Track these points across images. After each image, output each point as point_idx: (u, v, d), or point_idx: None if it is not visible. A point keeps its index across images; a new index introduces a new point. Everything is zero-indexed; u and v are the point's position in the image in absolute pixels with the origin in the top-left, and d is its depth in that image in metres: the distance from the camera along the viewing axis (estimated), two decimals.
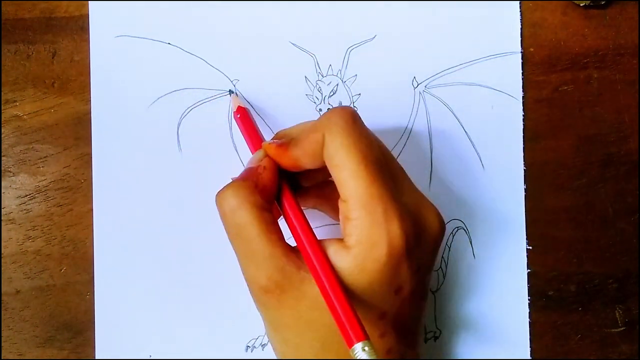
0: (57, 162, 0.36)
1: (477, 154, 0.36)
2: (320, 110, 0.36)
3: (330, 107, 0.36)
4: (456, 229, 0.36)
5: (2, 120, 0.36)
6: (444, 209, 0.36)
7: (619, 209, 0.37)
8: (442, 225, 0.30)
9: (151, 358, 0.36)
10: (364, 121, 0.29)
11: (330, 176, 0.31)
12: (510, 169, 0.36)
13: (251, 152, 0.32)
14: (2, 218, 0.36)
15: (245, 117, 0.34)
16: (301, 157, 0.29)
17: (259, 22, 0.36)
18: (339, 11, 0.36)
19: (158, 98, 0.36)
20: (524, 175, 0.36)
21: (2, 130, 0.36)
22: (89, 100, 0.36)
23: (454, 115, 0.36)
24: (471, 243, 0.36)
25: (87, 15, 0.36)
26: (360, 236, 0.27)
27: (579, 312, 0.37)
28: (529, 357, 0.36)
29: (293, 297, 0.27)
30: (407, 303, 0.28)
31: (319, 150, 0.28)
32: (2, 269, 0.36)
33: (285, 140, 0.30)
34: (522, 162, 0.36)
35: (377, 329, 0.28)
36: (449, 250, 0.36)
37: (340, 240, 0.28)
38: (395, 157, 0.31)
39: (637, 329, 0.37)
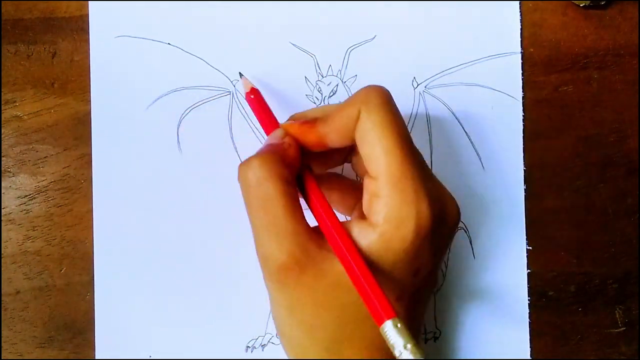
0: (57, 162, 0.36)
1: (477, 154, 0.36)
2: None
3: None
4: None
5: (2, 120, 0.36)
6: None
7: (619, 209, 0.37)
8: (459, 213, 0.30)
9: (151, 358, 0.36)
10: None
11: (345, 162, 0.31)
12: (510, 169, 0.36)
13: (266, 133, 0.31)
14: (2, 218, 0.36)
15: (258, 98, 0.33)
16: (330, 133, 0.28)
17: (259, 23, 0.36)
18: (339, 11, 0.36)
19: (158, 98, 0.36)
20: (524, 175, 0.36)
21: (2, 131, 0.36)
22: (89, 101, 0.36)
23: (454, 116, 0.36)
24: (471, 243, 0.36)
25: (87, 15, 0.36)
26: (389, 214, 0.26)
27: (579, 312, 0.37)
28: (529, 357, 0.36)
29: (312, 276, 0.27)
30: (421, 287, 0.28)
31: (351, 126, 0.28)
32: (2, 269, 0.36)
33: (309, 118, 0.30)
34: (522, 162, 0.36)
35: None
36: (449, 250, 0.36)
37: (364, 219, 0.27)
38: None
39: (637, 329, 0.37)
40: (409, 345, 0.24)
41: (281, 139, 0.29)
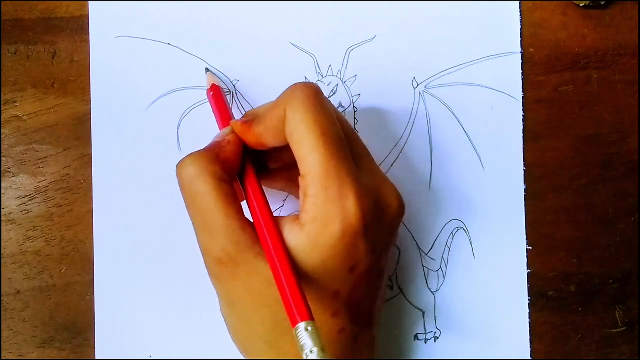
0: (57, 162, 0.36)
1: (477, 154, 0.36)
2: None
3: None
4: (456, 229, 0.36)
5: (2, 120, 0.36)
6: (444, 209, 0.36)
7: (619, 209, 0.37)
8: (401, 206, 0.30)
9: (151, 358, 0.36)
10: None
11: None
12: (510, 169, 0.36)
13: (219, 129, 0.32)
14: (2, 218, 0.36)
15: (217, 95, 0.34)
16: (264, 134, 0.29)
17: (259, 22, 0.36)
18: (339, 11, 0.36)
19: (158, 98, 0.36)
20: (524, 175, 0.36)
21: (2, 131, 0.36)
22: (89, 101, 0.36)
23: (454, 116, 0.36)
24: (471, 243, 0.36)
25: (87, 16, 0.36)
26: (314, 213, 0.27)
27: (579, 312, 0.37)
28: (529, 357, 0.36)
29: (246, 272, 0.27)
30: (361, 282, 0.28)
31: (280, 127, 0.28)
32: (2, 269, 0.36)
33: (250, 117, 0.30)
34: (522, 162, 0.36)
35: (330, 308, 0.28)
36: (449, 250, 0.36)
37: (297, 217, 0.27)
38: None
39: (637, 329, 0.37)
40: (315, 349, 0.24)
41: (224, 137, 0.30)
